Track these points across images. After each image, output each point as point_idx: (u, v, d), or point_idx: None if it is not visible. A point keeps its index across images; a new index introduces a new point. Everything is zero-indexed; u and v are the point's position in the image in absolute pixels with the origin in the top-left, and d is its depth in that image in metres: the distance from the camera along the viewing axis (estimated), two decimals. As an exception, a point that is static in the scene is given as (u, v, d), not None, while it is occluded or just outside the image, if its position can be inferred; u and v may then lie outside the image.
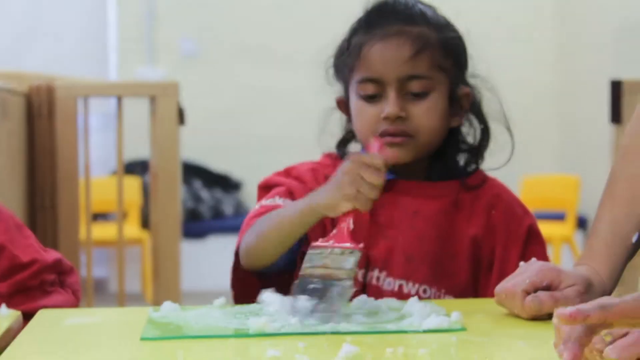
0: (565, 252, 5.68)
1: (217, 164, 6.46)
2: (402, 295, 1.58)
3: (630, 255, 1.46)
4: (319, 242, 1.41)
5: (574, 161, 6.33)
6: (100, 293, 5.51)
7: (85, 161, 3.39)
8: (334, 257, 1.37)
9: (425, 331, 1.23)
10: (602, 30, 5.92)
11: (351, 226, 1.42)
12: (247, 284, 1.64)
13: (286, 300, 1.35)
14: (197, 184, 6.36)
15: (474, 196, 1.65)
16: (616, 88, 2.74)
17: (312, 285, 1.34)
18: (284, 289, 1.59)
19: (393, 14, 1.64)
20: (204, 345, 1.21)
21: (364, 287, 1.61)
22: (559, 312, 0.99)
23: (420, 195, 1.63)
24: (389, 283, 1.60)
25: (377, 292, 1.58)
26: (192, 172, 6.28)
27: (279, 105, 6.41)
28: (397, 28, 1.62)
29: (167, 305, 1.39)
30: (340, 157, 1.71)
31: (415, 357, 1.11)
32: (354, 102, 1.64)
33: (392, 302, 1.40)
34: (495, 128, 1.72)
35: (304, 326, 1.26)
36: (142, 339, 1.22)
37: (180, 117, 3.36)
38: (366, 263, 1.61)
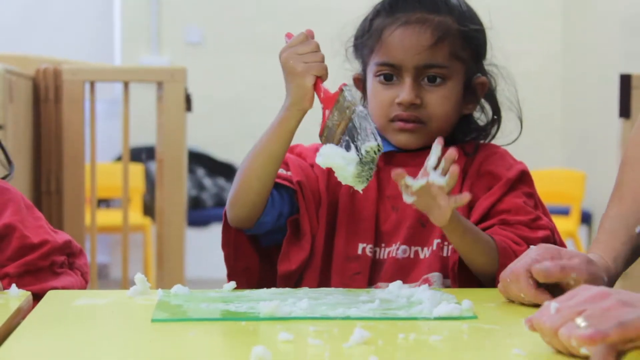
0: (569, 247, 5.67)
1: (220, 152, 6.45)
2: (419, 262, 1.59)
3: (636, 246, 1.47)
4: (322, 127, 1.47)
5: (580, 156, 6.33)
6: (101, 279, 5.52)
7: (92, 146, 3.39)
8: (336, 112, 1.44)
9: (436, 318, 1.23)
10: (610, 24, 5.90)
11: (326, 88, 1.49)
12: (237, 244, 1.66)
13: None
14: (200, 172, 6.36)
15: (471, 160, 1.66)
16: (625, 82, 2.73)
17: (342, 142, 1.42)
18: (273, 256, 1.62)
19: (417, 0, 1.65)
20: (215, 327, 1.21)
21: (374, 263, 1.62)
22: (579, 335, 1.00)
23: (421, 164, 1.63)
24: (405, 250, 1.61)
25: (394, 263, 1.59)
26: (196, 160, 6.27)
27: (283, 94, 6.39)
28: (420, 15, 1.63)
29: (178, 288, 1.39)
30: None
31: (427, 344, 1.10)
32: (371, 84, 1.66)
33: (403, 289, 1.40)
34: (505, 116, 1.73)
35: (314, 311, 1.26)
36: (153, 320, 1.22)
37: (188, 104, 3.35)
38: (375, 238, 1.62)
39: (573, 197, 5.67)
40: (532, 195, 1.65)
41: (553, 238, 1.62)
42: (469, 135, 1.70)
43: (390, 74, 1.63)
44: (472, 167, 1.65)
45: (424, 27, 1.62)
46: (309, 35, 1.51)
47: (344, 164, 1.40)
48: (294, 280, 1.64)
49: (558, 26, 6.62)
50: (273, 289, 1.44)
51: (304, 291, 1.42)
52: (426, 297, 1.32)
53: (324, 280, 1.62)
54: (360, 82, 1.73)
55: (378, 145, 1.38)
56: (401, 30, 1.62)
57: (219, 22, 6.51)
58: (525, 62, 6.34)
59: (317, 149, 1.68)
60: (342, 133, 1.42)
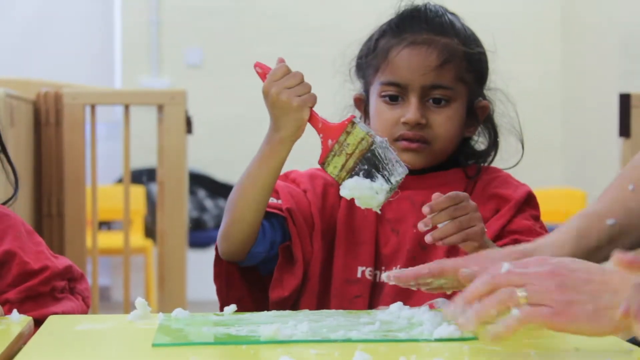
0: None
1: (221, 173, 6.46)
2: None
3: (609, 236, 1.44)
4: (323, 155, 1.47)
5: (580, 175, 6.33)
6: (103, 301, 5.51)
7: (92, 169, 3.39)
8: (346, 142, 1.45)
9: (437, 340, 1.23)
10: (609, 44, 5.92)
11: (324, 118, 1.50)
12: (229, 275, 1.66)
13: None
14: (202, 194, 6.36)
15: (474, 183, 1.68)
16: (625, 101, 2.74)
17: (358, 170, 1.44)
18: (265, 284, 1.62)
19: (424, 21, 1.67)
20: (216, 351, 1.21)
21: (374, 286, 1.62)
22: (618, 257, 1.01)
23: (426, 186, 1.64)
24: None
25: (395, 287, 1.59)
26: (196, 181, 6.28)
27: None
28: (427, 36, 1.64)
29: (178, 312, 1.39)
30: None
31: (428, 366, 1.10)
32: (375, 103, 1.67)
33: (404, 310, 1.40)
34: (505, 138, 1.74)
35: (315, 334, 1.26)
36: (154, 345, 1.22)
37: (188, 126, 3.36)
38: (375, 261, 1.62)
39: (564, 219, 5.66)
40: (539, 218, 1.66)
41: None
42: (470, 159, 1.71)
43: (395, 95, 1.64)
44: (475, 190, 1.66)
45: (430, 48, 1.63)
46: (286, 66, 1.53)
47: (372, 194, 1.44)
48: (288, 307, 1.64)
49: (557, 46, 6.63)
50: (273, 312, 1.44)
51: (304, 314, 1.42)
52: (427, 318, 1.32)
53: (322, 305, 1.62)
54: (361, 102, 1.73)
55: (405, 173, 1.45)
56: (408, 50, 1.64)
57: (219, 44, 6.53)
58: (525, 82, 6.34)
59: (311, 174, 1.69)
60: (356, 162, 1.45)
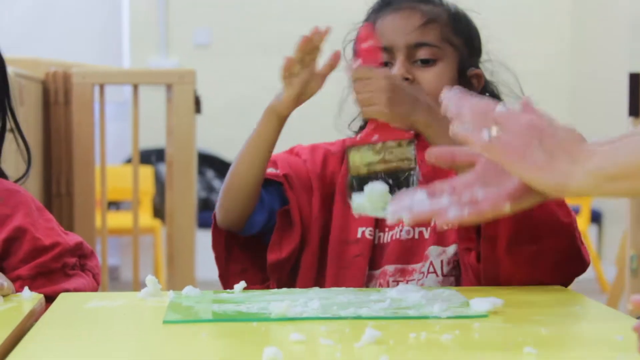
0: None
1: (229, 153, 6.46)
2: (424, 242, 1.61)
3: None
4: (357, 142, 1.43)
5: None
6: (112, 281, 5.53)
7: (102, 149, 3.40)
8: (391, 149, 1.39)
9: (447, 317, 1.23)
10: (618, 23, 5.90)
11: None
12: (229, 247, 1.70)
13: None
14: (210, 174, 6.37)
15: None
16: (634, 81, 2.73)
17: (379, 178, 1.37)
18: (262, 254, 1.63)
19: None
20: (227, 328, 1.21)
21: (375, 246, 1.63)
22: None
23: (419, 148, 1.64)
24: (408, 232, 1.63)
25: (398, 245, 1.60)
26: (205, 161, 6.29)
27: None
28: (410, 3, 1.68)
29: (189, 289, 1.40)
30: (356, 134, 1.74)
31: (439, 343, 1.11)
32: None
33: (413, 288, 1.40)
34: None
35: (325, 311, 1.26)
36: (165, 322, 1.23)
37: (197, 106, 3.36)
38: (376, 221, 1.63)
39: (582, 197, 5.66)
40: None
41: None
42: None
43: (384, 62, 1.64)
44: None
45: (414, 11, 1.66)
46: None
47: (383, 204, 1.38)
48: (286, 270, 1.66)
49: (566, 25, 6.61)
50: (284, 289, 1.45)
51: (314, 291, 1.43)
52: (437, 296, 1.32)
53: (322, 266, 1.64)
54: None
55: None
56: (391, 15, 1.67)
57: (227, 23, 6.52)
58: (534, 62, 6.33)
59: (313, 147, 1.73)
60: (384, 171, 1.40)
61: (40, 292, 1.42)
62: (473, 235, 1.54)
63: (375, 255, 1.64)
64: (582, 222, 5.60)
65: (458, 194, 1.19)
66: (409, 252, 1.62)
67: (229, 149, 6.45)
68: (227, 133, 6.43)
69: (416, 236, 1.63)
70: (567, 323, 1.20)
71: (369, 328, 1.10)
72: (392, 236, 1.64)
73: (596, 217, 6.04)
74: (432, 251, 1.61)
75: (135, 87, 3.40)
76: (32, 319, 1.29)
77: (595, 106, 6.25)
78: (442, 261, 1.61)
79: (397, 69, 1.62)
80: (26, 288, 1.41)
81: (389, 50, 1.64)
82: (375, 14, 1.71)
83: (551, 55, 6.57)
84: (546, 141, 1.12)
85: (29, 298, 1.39)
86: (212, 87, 5.91)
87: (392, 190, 1.36)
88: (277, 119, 1.59)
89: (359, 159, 1.41)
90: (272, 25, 6.47)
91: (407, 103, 1.49)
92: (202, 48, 6.54)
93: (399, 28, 1.65)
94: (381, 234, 1.65)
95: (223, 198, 1.65)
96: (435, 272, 1.61)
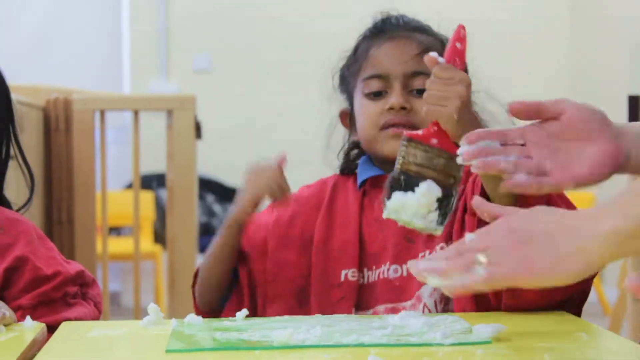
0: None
1: (229, 178, 6.47)
2: (412, 279, 1.58)
3: None
4: (414, 134, 1.33)
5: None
6: (112, 307, 5.52)
7: (102, 175, 3.40)
8: (444, 160, 1.29)
9: (450, 344, 1.22)
10: (618, 45, 5.91)
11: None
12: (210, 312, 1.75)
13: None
14: (210, 198, 6.37)
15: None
16: (634, 103, 2.73)
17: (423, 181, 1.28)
18: None
19: (401, 21, 1.71)
20: (230, 357, 1.21)
21: (360, 287, 1.62)
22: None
23: None
24: (396, 270, 1.61)
25: (387, 284, 1.60)
26: (205, 186, 6.29)
27: (292, 121, 6.41)
28: (405, 32, 1.68)
29: (191, 317, 1.40)
30: (343, 169, 1.73)
31: (442, 370, 1.10)
32: (359, 102, 1.68)
33: (415, 315, 1.40)
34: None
35: (327, 338, 1.26)
36: (168, 351, 1.22)
37: (197, 131, 3.37)
38: (360, 262, 1.62)
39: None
40: None
41: None
42: None
43: (379, 91, 1.64)
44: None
45: (410, 40, 1.66)
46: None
47: (418, 211, 1.31)
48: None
49: (565, 47, 6.63)
50: (286, 317, 1.45)
51: (316, 319, 1.42)
52: (439, 322, 1.32)
53: (306, 311, 1.64)
54: (346, 117, 1.74)
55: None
56: (388, 43, 1.67)
57: (227, 49, 6.54)
58: (534, 84, 6.35)
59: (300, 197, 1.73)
60: (430, 176, 1.29)
61: (41, 322, 1.42)
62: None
63: (363, 295, 1.64)
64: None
65: (469, 258, 1.11)
66: (399, 290, 1.61)
67: (229, 174, 6.46)
68: (226, 157, 6.44)
69: (404, 273, 1.62)
70: (571, 350, 1.19)
71: (371, 356, 1.10)
72: (379, 275, 1.63)
73: (597, 239, 6.02)
74: (424, 292, 1.59)
75: (136, 113, 3.41)
76: (34, 348, 1.29)
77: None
78: (435, 301, 1.59)
79: (395, 97, 1.62)
80: (28, 317, 1.41)
81: (385, 78, 1.64)
82: (368, 40, 1.70)
83: (550, 78, 6.58)
84: (538, 238, 1.05)
85: (31, 327, 1.38)
86: (212, 112, 5.92)
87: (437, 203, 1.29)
88: (238, 227, 1.67)
89: (413, 157, 1.31)
90: (272, 51, 6.49)
91: (469, 121, 1.40)
92: (201, 73, 6.55)
93: (395, 56, 1.65)
94: (369, 273, 1.64)
95: (198, 284, 1.74)
96: (430, 311, 1.59)
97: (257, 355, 1.20)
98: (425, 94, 1.38)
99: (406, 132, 1.34)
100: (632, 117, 2.76)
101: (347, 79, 1.73)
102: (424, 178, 1.27)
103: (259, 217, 1.73)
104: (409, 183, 1.29)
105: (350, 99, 1.72)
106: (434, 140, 1.32)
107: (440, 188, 1.26)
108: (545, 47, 6.61)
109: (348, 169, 1.75)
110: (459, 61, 1.38)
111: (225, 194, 6.45)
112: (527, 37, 6.50)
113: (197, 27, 6.52)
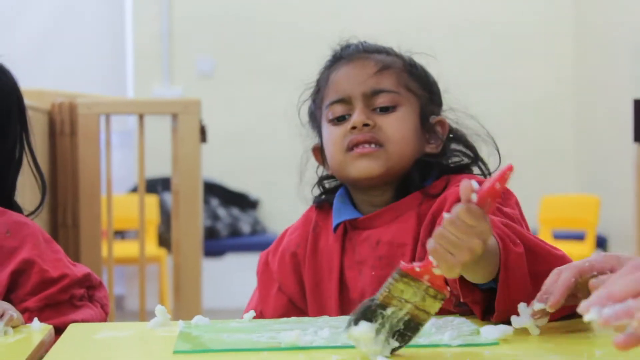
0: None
1: (234, 182, 6.47)
2: None
3: None
4: (412, 266, 1.22)
5: (594, 181, 6.32)
6: (117, 310, 5.52)
7: (108, 179, 3.40)
8: (427, 297, 1.22)
9: (458, 345, 1.23)
10: (622, 49, 5.91)
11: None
12: None
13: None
14: (214, 202, 6.37)
15: (443, 199, 1.57)
16: (639, 107, 2.73)
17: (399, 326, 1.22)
18: None
19: (358, 45, 1.69)
20: (237, 358, 1.21)
21: None
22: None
23: (381, 224, 1.61)
24: None
25: None
26: (209, 190, 6.29)
27: (295, 124, 6.41)
28: (363, 54, 1.66)
29: (198, 319, 1.40)
30: (318, 204, 1.72)
31: (450, 371, 1.11)
32: (325, 130, 1.66)
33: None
34: (487, 150, 1.68)
35: (335, 340, 1.26)
36: (175, 352, 1.23)
37: (202, 135, 3.37)
38: (340, 309, 1.61)
39: (588, 222, 5.66)
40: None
41: None
42: (447, 173, 1.64)
43: (342, 116, 1.62)
44: (448, 203, 1.55)
45: (367, 60, 1.64)
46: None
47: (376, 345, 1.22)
48: None
49: (570, 52, 6.63)
50: (294, 318, 1.45)
51: (324, 320, 1.42)
52: (447, 324, 1.32)
53: None
54: (318, 152, 1.73)
55: None
56: (345, 67, 1.65)
57: (230, 52, 6.55)
58: (538, 88, 6.35)
59: (282, 252, 1.72)
60: (408, 311, 1.22)
61: (48, 324, 1.42)
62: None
63: None
64: (587, 248, 5.59)
65: None
66: None
67: (233, 177, 6.46)
68: (231, 161, 6.44)
69: None
70: (578, 351, 1.19)
71: (380, 356, 1.10)
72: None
73: (601, 243, 6.02)
74: None
75: (141, 117, 3.41)
76: (42, 350, 1.29)
77: (600, 133, 6.25)
78: None
79: (357, 115, 1.59)
80: (35, 319, 1.41)
81: (347, 101, 1.62)
82: (328, 69, 1.69)
83: (554, 83, 6.58)
84: None
85: (39, 329, 1.39)
86: (216, 115, 5.93)
87: (401, 333, 1.21)
88: None
89: (399, 292, 1.22)
90: (275, 54, 6.50)
91: (471, 265, 1.26)
92: (205, 77, 6.56)
93: (353, 78, 1.62)
94: None
95: None
96: None
97: (265, 356, 1.20)
98: (437, 231, 1.21)
99: (402, 266, 1.22)
100: (638, 121, 2.76)
101: (314, 114, 1.73)
102: (400, 310, 1.21)
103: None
104: (381, 314, 1.22)
105: (320, 134, 1.71)
106: (426, 277, 1.22)
107: (412, 321, 1.22)
108: (549, 50, 6.61)
109: (326, 201, 1.71)
110: (491, 203, 1.21)
111: (229, 197, 6.46)
112: (530, 41, 6.50)
113: (200, 31, 6.53)
